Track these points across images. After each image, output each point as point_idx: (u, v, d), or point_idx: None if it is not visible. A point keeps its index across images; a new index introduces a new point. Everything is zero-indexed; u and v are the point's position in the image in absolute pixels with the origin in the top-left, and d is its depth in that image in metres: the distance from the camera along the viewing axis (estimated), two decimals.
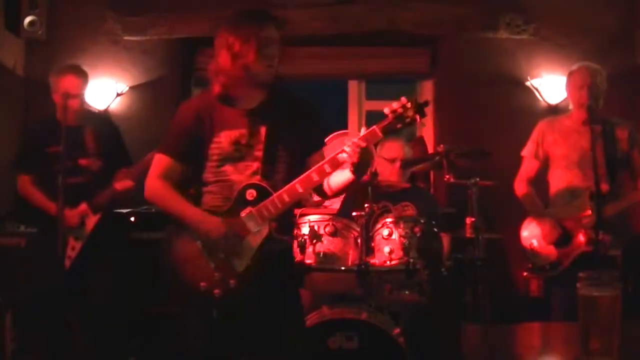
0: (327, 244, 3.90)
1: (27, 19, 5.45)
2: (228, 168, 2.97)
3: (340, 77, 6.57)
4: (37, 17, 5.46)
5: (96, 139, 4.22)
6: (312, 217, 4.05)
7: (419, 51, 6.42)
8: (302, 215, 4.14)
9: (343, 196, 4.98)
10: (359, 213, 3.99)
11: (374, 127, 2.76)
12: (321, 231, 3.91)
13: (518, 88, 5.95)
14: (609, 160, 4.10)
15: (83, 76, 4.49)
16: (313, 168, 2.87)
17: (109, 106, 5.97)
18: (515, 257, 5.46)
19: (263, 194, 2.91)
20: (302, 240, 3.88)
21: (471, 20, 5.99)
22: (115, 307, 4.57)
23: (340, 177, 2.95)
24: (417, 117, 2.74)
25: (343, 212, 4.63)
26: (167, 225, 3.06)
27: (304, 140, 3.08)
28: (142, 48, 6.03)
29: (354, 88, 6.57)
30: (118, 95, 5.98)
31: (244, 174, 2.96)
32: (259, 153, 2.97)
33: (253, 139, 2.98)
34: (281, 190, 2.89)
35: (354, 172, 2.85)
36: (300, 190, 2.88)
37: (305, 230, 3.91)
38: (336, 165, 2.83)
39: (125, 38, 6.03)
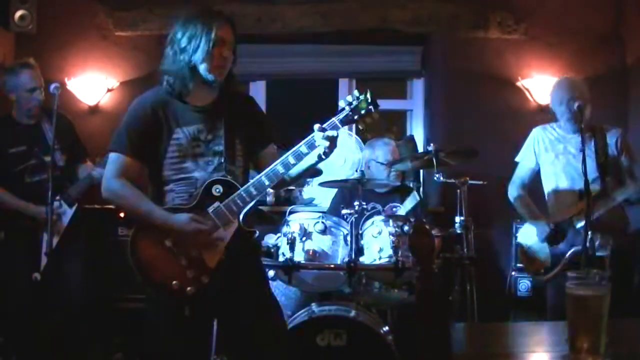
0: (316, 242, 3.90)
1: (18, 13, 5.41)
2: (189, 165, 2.98)
3: (330, 75, 6.56)
4: (28, 11, 5.43)
5: (55, 134, 4.19)
6: (302, 215, 4.06)
7: (410, 50, 6.43)
8: (292, 212, 4.14)
9: (333, 194, 5.00)
10: (348, 211, 3.99)
11: (333, 119, 2.93)
12: (311, 229, 3.91)
13: (508, 87, 5.96)
14: (600, 163, 4.13)
15: (36, 68, 4.47)
16: (278, 161, 2.94)
17: (99, 101, 5.95)
18: (504, 256, 5.48)
19: (230, 189, 2.94)
20: (292, 237, 3.87)
21: (462, 19, 6.00)
22: (89, 300, 4.60)
23: (301, 165, 3.00)
24: (371, 108, 2.95)
25: (333, 210, 4.64)
26: (131, 225, 3.02)
27: (257, 134, 3.16)
28: (133, 43, 6.01)
29: (345, 86, 6.57)
30: (108, 90, 5.96)
31: (205, 170, 2.98)
32: (218, 148, 3.00)
33: (211, 134, 3.00)
34: (248, 184, 2.94)
35: (321, 158, 2.93)
36: (267, 183, 2.94)
37: (294, 227, 3.91)
38: (300, 157, 2.91)
39: (116, 33, 6.01)
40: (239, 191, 2.93)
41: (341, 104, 2.97)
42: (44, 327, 4.34)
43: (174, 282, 2.89)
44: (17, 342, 4.42)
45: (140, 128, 2.97)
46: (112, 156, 3.01)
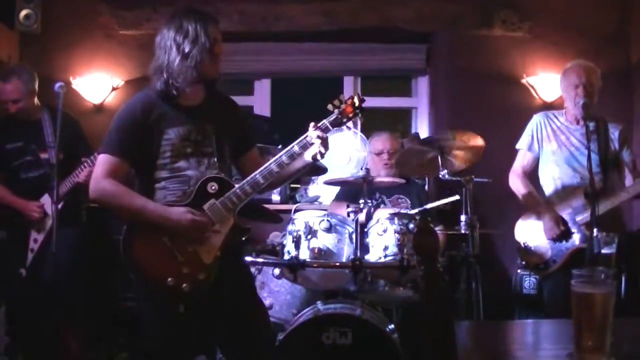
0: (321, 240, 3.90)
1: (23, 12, 5.42)
2: (182, 164, 3.02)
3: (335, 73, 6.57)
4: (33, 10, 5.44)
5: (55, 131, 4.20)
6: (308, 213, 4.06)
7: (414, 47, 6.43)
8: (298, 210, 4.14)
9: (338, 192, 4.99)
10: (354, 209, 3.99)
11: (324, 121, 3.03)
12: (316, 227, 3.91)
13: (513, 85, 5.96)
14: (602, 158, 4.10)
15: (25, 77, 4.46)
16: (272, 160, 3.01)
17: (104, 100, 5.96)
18: (509, 254, 5.48)
19: (224, 186, 3.01)
20: (297, 235, 3.88)
21: (466, 17, 6.00)
22: (93, 299, 4.60)
23: (295, 164, 3.10)
24: (358, 112, 3.05)
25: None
26: (122, 224, 3.04)
27: (244, 136, 3.27)
28: (137, 42, 6.02)
29: (349, 84, 6.57)
30: (114, 89, 5.97)
31: (198, 169, 3.03)
32: (208, 149, 3.06)
33: (201, 135, 3.06)
34: (243, 182, 3.01)
35: (316, 159, 3.05)
36: (262, 181, 3.01)
37: (300, 225, 3.91)
38: (293, 157, 3.02)
39: (120, 32, 6.02)
40: (234, 188, 3.00)
41: (329, 107, 3.06)
42: (50, 327, 4.35)
43: (169, 279, 2.92)
44: (23, 342, 4.43)
45: (130, 131, 3.01)
46: (102, 158, 3.04)
